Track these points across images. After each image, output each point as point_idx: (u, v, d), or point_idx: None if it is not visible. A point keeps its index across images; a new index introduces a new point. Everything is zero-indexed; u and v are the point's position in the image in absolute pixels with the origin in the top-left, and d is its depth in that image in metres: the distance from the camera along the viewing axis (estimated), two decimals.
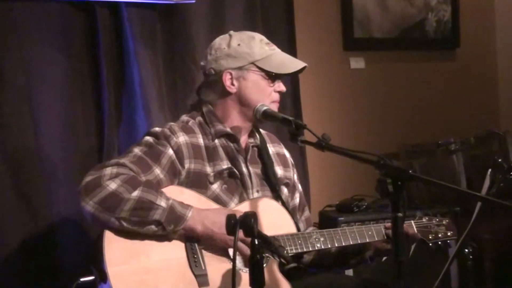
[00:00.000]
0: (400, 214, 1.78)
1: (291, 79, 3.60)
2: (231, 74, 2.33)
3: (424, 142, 4.13)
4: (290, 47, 3.59)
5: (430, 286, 2.46)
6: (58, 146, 2.82)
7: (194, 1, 3.11)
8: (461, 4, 4.61)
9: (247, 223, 1.82)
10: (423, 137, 4.23)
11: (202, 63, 2.42)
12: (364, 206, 3.43)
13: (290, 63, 2.39)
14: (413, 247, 2.37)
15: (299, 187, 2.60)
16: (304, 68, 2.39)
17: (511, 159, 4.27)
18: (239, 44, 2.33)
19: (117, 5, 2.92)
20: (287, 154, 2.59)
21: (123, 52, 2.96)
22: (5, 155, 2.67)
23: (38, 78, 2.77)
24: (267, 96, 2.35)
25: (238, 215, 1.89)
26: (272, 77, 2.34)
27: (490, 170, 2.35)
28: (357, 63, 4.17)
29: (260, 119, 2.32)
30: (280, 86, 2.38)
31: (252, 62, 2.32)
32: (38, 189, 2.73)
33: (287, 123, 2.17)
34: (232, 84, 2.33)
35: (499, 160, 2.34)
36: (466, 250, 2.40)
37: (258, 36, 2.39)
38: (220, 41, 2.38)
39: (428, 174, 3.88)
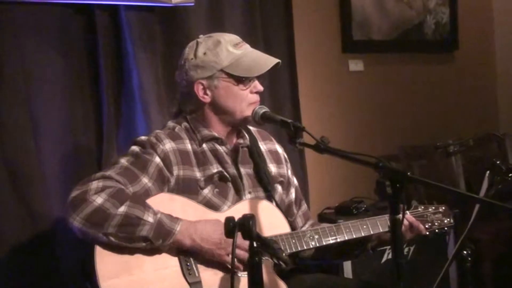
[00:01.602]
0: (398, 216, 1.79)
1: (290, 82, 3.61)
2: (202, 84, 2.29)
3: (423, 144, 4.13)
4: (289, 50, 3.60)
5: None
6: (57, 148, 2.82)
7: (193, 4, 3.11)
8: (460, 7, 4.61)
9: (245, 226, 1.82)
10: (422, 139, 4.23)
11: (176, 74, 2.39)
12: (363, 208, 3.44)
13: (261, 62, 2.32)
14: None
15: (295, 181, 2.57)
16: (277, 64, 2.32)
17: (510, 161, 4.28)
18: (205, 53, 2.28)
19: (116, 8, 2.93)
20: (280, 150, 2.56)
21: (122, 55, 2.96)
22: (4, 156, 2.67)
23: (37, 80, 2.77)
24: (242, 100, 2.30)
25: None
26: (243, 80, 2.29)
27: (488, 172, 2.35)
28: (356, 65, 4.17)
29: (259, 122, 2.30)
30: (256, 86, 2.33)
31: (220, 69, 2.27)
32: (37, 189, 2.73)
33: (285, 125, 2.16)
34: (206, 94, 2.30)
35: (497, 162, 2.34)
36: (465, 252, 2.40)
37: (226, 38, 2.32)
38: (188, 51, 2.33)
39: (427, 176, 3.88)
